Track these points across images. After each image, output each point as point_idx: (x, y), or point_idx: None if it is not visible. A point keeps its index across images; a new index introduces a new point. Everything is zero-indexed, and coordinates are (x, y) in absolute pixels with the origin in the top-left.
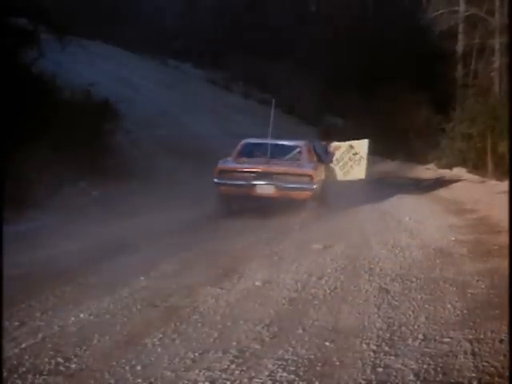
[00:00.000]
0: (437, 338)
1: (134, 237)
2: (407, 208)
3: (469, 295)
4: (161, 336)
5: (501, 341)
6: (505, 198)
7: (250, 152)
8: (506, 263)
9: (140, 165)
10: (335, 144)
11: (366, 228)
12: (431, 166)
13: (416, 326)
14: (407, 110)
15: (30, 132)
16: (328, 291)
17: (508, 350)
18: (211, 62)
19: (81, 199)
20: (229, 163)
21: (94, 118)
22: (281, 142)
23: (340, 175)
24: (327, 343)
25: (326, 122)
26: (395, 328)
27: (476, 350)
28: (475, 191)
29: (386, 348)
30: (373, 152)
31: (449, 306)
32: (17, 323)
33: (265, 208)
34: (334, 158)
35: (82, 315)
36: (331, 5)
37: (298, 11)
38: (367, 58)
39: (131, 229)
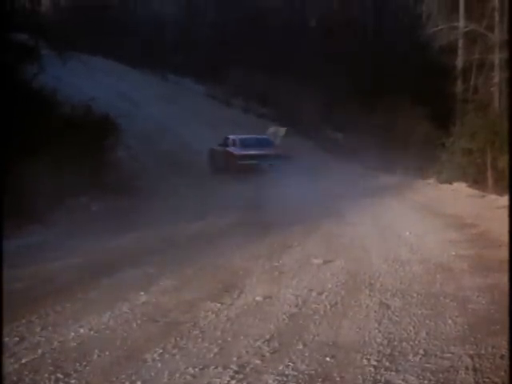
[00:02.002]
0: (438, 353)
1: (133, 252)
2: (407, 223)
3: (469, 310)
4: (161, 351)
5: (501, 356)
6: (505, 213)
7: (245, 143)
8: (506, 278)
9: (140, 179)
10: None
11: (366, 243)
12: (432, 180)
13: (417, 342)
14: (407, 125)
15: (30, 147)
16: (328, 306)
17: (508, 366)
18: (211, 76)
19: (81, 214)
20: (241, 151)
21: (94, 133)
22: (259, 137)
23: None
24: (328, 358)
25: (327, 135)
26: (396, 343)
27: (477, 365)
28: (475, 206)
29: (387, 363)
30: (372, 167)
31: (449, 321)
32: (17, 338)
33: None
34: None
35: (82, 330)
36: (331, 20)
37: (298, 26)
38: (367, 72)
39: (131, 244)
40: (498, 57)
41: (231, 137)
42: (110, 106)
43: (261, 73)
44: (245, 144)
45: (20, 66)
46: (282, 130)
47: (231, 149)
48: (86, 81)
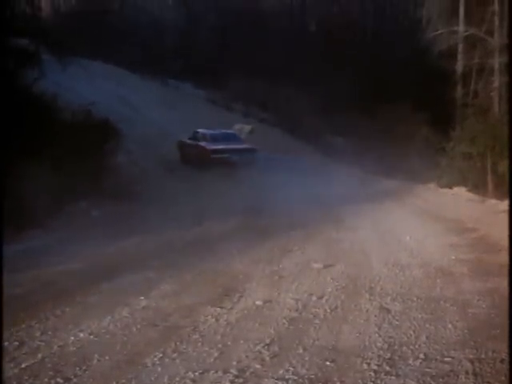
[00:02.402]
0: (438, 357)
1: (133, 257)
2: (407, 227)
3: (469, 314)
4: (161, 355)
5: (502, 360)
6: (505, 218)
7: (215, 138)
8: (506, 282)
9: (140, 184)
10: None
11: (366, 247)
12: (432, 185)
13: (417, 346)
14: (407, 129)
15: (30, 152)
16: (329, 310)
17: (509, 370)
18: (211, 81)
19: (81, 219)
20: (213, 145)
21: (95, 138)
22: (226, 131)
23: None
24: (328, 363)
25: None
26: (396, 347)
27: (477, 369)
28: (475, 210)
29: (387, 368)
30: (372, 171)
31: (450, 325)
32: (16, 343)
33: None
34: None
35: (81, 335)
36: (331, 24)
37: (298, 30)
38: (367, 77)
39: (131, 249)
40: (497, 61)
41: (200, 131)
42: (110, 110)
43: (261, 77)
44: (215, 139)
45: (20, 71)
46: (248, 127)
47: (203, 143)
48: (86, 85)
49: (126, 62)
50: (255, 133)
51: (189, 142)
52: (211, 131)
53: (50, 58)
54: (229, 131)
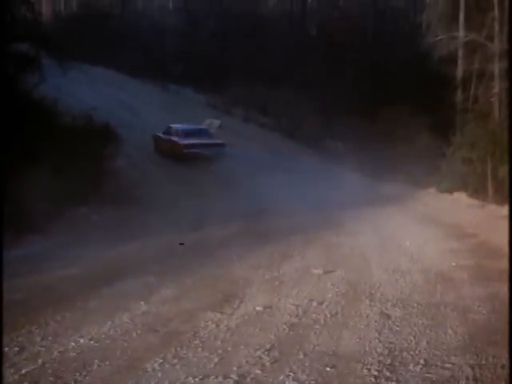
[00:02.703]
0: (438, 363)
1: (133, 262)
2: (407, 232)
3: (470, 320)
4: (161, 361)
5: (502, 366)
6: (505, 223)
7: (187, 134)
8: (506, 288)
9: (140, 188)
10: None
11: (367, 252)
12: (432, 189)
13: (417, 352)
14: (407, 134)
15: (30, 156)
16: (329, 316)
17: (509, 376)
18: (211, 86)
19: (81, 223)
20: (185, 140)
21: (95, 142)
22: (198, 127)
23: None
24: (328, 368)
25: (327, 144)
26: (396, 353)
27: (477, 375)
28: (475, 215)
29: (388, 373)
30: (373, 176)
31: (450, 331)
32: (17, 349)
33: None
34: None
35: (82, 340)
36: (331, 28)
37: (298, 35)
38: (367, 82)
39: (131, 254)
40: (497, 66)
41: (174, 126)
42: (110, 115)
43: (261, 82)
44: (187, 134)
45: (21, 76)
46: (217, 122)
47: (175, 138)
48: (86, 90)
49: (127, 66)
50: (257, 139)
51: (163, 136)
52: (184, 126)
53: (51, 63)
54: (200, 126)
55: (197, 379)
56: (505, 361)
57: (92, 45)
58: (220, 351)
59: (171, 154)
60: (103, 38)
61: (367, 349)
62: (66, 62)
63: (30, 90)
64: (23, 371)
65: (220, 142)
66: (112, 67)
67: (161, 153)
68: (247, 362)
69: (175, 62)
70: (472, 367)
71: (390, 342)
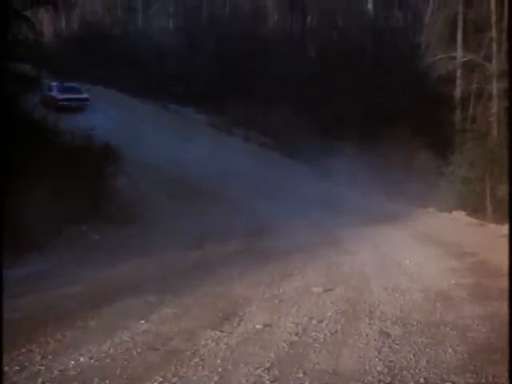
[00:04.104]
0: (438, 382)
1: (133, 280)
2: (407, 251)
3: (469, 339)
4: (161, 380)
5: None
6: (504, 242)
7: (61, 90)
8: (505, 307)
9: (140, 208)
10: None
11: (366, 271)
12: (431, 209)
13: (417, 370)
14: (406, 153)
15: (31, 176)
16: (329, 334)
17: None
18: (212, 106)
19: (82, 243)
20: (60, 95)
21: (95, 161)
22: (71, 85)
23: None
24: None
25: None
26: (396, 372)
27: None
28: (475, 234)
29: None
30: (371, 195)
31: (450, 349)
32: (17, 368)
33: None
34: None
35: (82, 359)
36: (330, 50)
37: (298, 56)
38: (366, 101)
39: (131, 272)
40: (496, 86)
41: (52, 84)
42: (110, 134)
43: (261, 102)
44: (61, 90)
45: (22, 96)
46: (86, 86)
47: (54, 93)
48: (87, 110)
49: (128, 86)
50: None
51: (47, 93)
52: (60, 85)
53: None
54: (72, 85)
55: None
56: (504, 380)
57: (93, 65)
58: (220, 370)
59: (51, 105)
60: (104, 57)
61: (367, 367)
62: (67, 81)
63: (30, 109)
64: None
65: (85, 96)
66: (113, 87)
67: (45, 106)
68: (247, 380)
69: (176, 81)
70: None
71: (390, 361)
